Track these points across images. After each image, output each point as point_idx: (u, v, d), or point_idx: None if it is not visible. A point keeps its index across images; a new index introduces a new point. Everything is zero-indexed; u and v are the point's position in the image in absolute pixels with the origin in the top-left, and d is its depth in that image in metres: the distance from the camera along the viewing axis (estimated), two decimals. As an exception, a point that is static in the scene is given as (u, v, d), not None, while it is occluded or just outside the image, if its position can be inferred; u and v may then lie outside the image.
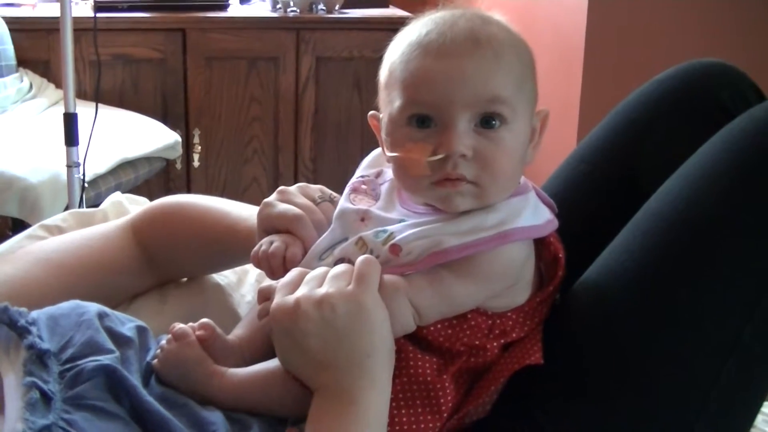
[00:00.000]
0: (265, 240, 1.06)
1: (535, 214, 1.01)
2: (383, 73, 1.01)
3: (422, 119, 0.96)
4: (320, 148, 3.36)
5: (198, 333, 1.03)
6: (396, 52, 0.99)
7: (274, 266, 1.03)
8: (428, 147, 0.95)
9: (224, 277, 1.37)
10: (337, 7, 3.28)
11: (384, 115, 1.01)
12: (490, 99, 0.95)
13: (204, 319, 1.05)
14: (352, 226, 1.02)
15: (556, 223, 1.03)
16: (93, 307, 1.03)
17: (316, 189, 1.12)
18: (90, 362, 0.94)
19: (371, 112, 1.05)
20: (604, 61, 2.51)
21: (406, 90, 0.96)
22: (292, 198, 1.09)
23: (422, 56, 0.96)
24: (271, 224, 1.07)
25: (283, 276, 0.99)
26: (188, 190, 3.22)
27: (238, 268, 1.39)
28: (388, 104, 0.99)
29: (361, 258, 0.95)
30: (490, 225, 0.96)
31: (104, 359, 0.94)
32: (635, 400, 1.01)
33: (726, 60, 1.25)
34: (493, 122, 0.95)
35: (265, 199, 1.09)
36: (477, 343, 0.99)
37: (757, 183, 1.03)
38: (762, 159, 1.03)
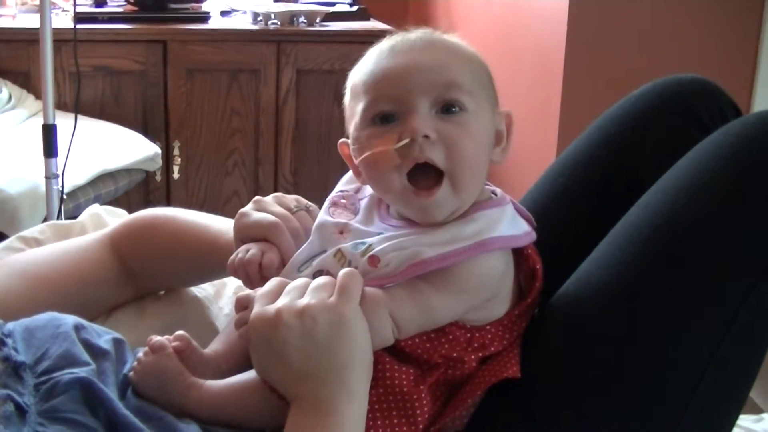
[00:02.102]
0: (242, 248, 1.06)
1: (513, 225, 1.01)
2: (347, 93, 1.04)
3: (385, 117, 0.98)
4: (301, 160, 3.35)
5: (174, 344, 1.03)
6: (356, 74, 1.02)
7: (251, 273, 1.03)
8: (393, 136, 0.96)
9: (202, 290, 1.37)
10: (318, 20, 3.28)
11: (351, 131, 1.02)
12: (447, 84, 0.97)
13: (179, 332, 1.05)
14: (331, 239, 1.03)
15: (533, 236, 1.04)
16: (69, 320, 1.02)
17: (292, 199, 1.12)
18: (66, 375, 0.93)
19: (341, 141, 1.07)
20: (584, 75, 2.52)
21: (367, 92, 0.99)
22: (268, 207, 1.09)
23: (378, 60, 0.99)
24: (247, 233, 1.07)
25: (260, 284, 0.99)
26: (168, 203, 3.21)
27: (216, 281, 1.39)
28: (352, 117, 1.01)
29: (344, 270, 0.95)
30: (468, 235, 0.96)
31: (80, 372, 0.94)
32: (613, 413, 1.01)
33: (704, 75, 1.25)
34: (454, 108, 0.97)
35: (241, 209, 1.09)
36: (455, 355, 0.99)
37: (733, 200, 1.04)
38: (738, 174, 1.04)
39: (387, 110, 0.98)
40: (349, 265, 0.97)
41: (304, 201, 1.13)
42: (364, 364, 0.93)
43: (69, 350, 0.97)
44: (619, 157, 1.22)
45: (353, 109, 1.01)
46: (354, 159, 1.03)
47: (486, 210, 1.00)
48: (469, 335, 1.00)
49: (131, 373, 1.01)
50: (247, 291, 1.00)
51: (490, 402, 1.02)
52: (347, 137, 1.05)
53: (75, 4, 2.57)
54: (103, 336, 1.04)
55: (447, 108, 0.97)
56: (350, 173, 1.11)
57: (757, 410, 1.40)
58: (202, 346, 1.08)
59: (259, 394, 0.98)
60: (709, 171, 1.06)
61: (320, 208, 1.09)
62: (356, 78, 1.01)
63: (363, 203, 1.07)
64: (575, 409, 1.02)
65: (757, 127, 1.07)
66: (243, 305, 0.98)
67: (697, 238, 1.04)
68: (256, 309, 0.94)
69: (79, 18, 2.58)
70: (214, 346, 1.10)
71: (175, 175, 3.24)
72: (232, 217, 1.13)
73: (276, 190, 3.24)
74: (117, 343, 1.04)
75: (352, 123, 1.01)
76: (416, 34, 1.02)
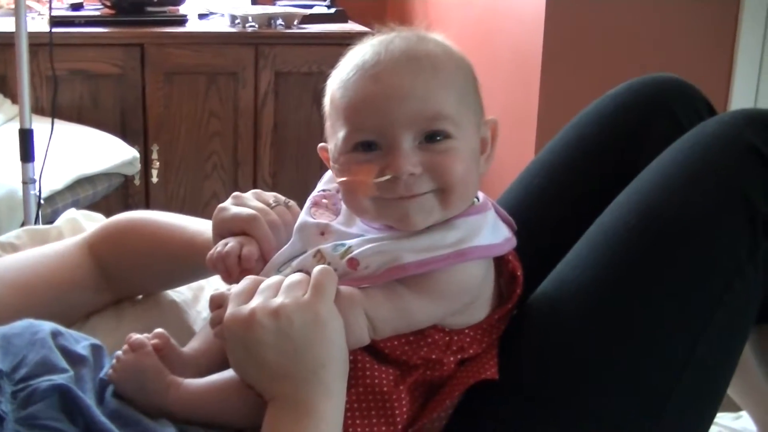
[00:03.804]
0: (220, 242, 1.05)
1: (494, 233, 1.00)
2: (326, 103, 1.01)
3: (367, 145, 0.96)
4: (280, 162, 3.35)
5: (153, 342, 1.02)
6: (336, 80, 0.99)
7: (230, 266, 1.03)
8: (374, 168, 0.94)
9: (180, 294, 1.36)
10: (295, 23, 3.28)
11: (331, 145, 1.01)
12: (431, 117, 0.94)
13: (158, 329, 1.05)
14: (312, 240, 1.02)
15: (514, 242, 1.03)
16: (47, 326, 1.02)
17: (271, 195, 1.12)
18: (43, 382, 0.93)
19: (320, 145, 1.06)
20: (561, 75, 2.53)
21: (348, 119, 0.96)
22: (247, 201, 1.09)
23: (359, 82, 0.95)
24: (225, 227, 1.06)
25: (239, 277, 0.99)
26: (147, 206, 3.20)
27: (194, 285, 1.39)
28: (333, 134, 0.99)
29: (317, 268, 0.94)
30: (448, 242, 0.96)
31: (58, 379, 0.93)
32: (590, 412, 1.01)
33: (681, 75, 1.26)
34: (438, 138, 0.95)
35: (220, 204, 1.09)
36: (434, 357, 0.99)
37: (707, 199, 1.04)
38: (713, 174, 1.05)
39: (369, 140, 0.95)
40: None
41: (283, 197, 1.13)
42: (341, 362, 0.93)
43: (46, 357, 0.96)
44: (594, 157, 1.22)
45: (333, 126, 0.99)
46: (333, 173, 1.02)
47: (468, 216, 0.99)
48: (448, 338, 1.00)
49: (110, 371, 1.00)
50: (222, 289, 0.99)
51: (468, 403, 1.02)
52: (326, 141, 1.04)
53: (51, 8, 2.55)
54: (81, 342, 1.03)
55: (430, 137, 0.95)
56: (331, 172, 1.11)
57: (735, 408, 1.41)
58: (180, 347, 1.08)
59: (237, 392, 0.98)
60: (684, 170, 1.06)
61: (300, 207, 1.09)
62: (336, 94, 0.98)
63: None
64: (552, 409, 1.02)
65: (731, 125, 1.08)
66: (217, 304, 0.97)
67: (672, 238, 1.04)
68: (230, 309, 0.93)
69: (56, 22, 2.57)
70: (193, 344, 1.10)
71: (154, 179, 3.23)
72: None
73: (255, 193, 3.24)
74: (95, 349, 1.03)
75: (333, 141, 0.99)
76: (400, 43, 0.97)
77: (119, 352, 1.01)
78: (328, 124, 1.01)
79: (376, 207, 0.96)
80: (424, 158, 0.94)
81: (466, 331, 1.01)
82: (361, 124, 0.95)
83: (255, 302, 0.92)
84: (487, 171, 1.03)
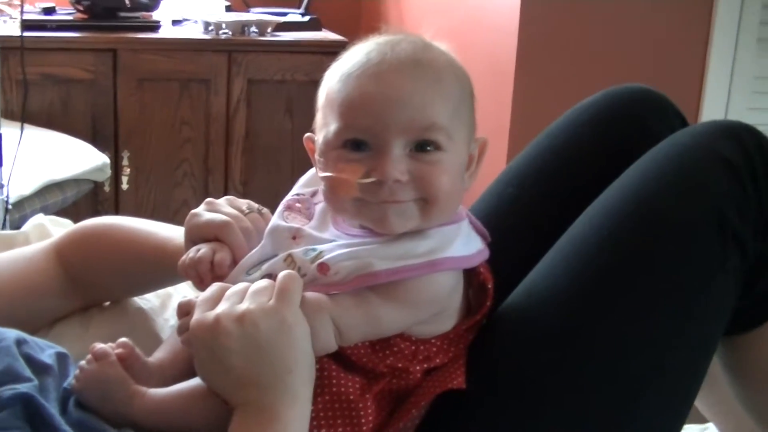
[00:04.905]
0: (193, 248, 1.05)
1: (467, 244, 1.00)
2: (322, 94, 1.00)
3: (357, 143, 0.95)
4: (251, 170, 3.34)
5: (117, 351, 1.02)
6: (336, 73, 0.98)
7: (202, 272, 1.02)
8: (360, 168, 0.94)
9: (147, 302, 1.35)
10: (269, 30, 3.27)
11: (319, 137, 1.00)
12: (426, 126, 0.94)
13: (122, 339, 1.04)
14: (283, 244, 1.02)
15: (486, 254, 1.03)
16: (11, 334, 1.01)
17: (244, 202, 1.12)
18: (7, 391, 0.92)
19: (307, 135, 1.05)
20: (534, 84, 2.54)
21: (342, 115, 0.95)
22: (220, 208, 1.08)
23: (360, 78, 0.95)
24: (198, 233, 1.06)
25: (211, 284, 0.98)
26: (117, 213, 3.18)
27: (161, 292, 1.38)
28: (323, 126, 0.99)
29: (282, 273, 0.94)
30: (420, 252, 0.95)
31: (22, 387, 0.92)
32: (558, 425, 1.01)
33: (653, 85, 1.27)
34: (428, 148, 0.95)
35: (193, 210, 1.08)
36: (400, 365, 0.99)
37: (678, 210, 1.05)
38: (684, 186, 1.05)
39: (360, 138, 0.95)
40: (299, 271, 0.96)
41: (256, 204, 1.12)
42: (307, 368, 0.93)
43: (11, 366, 0.95)
44: (566, 166, 1.23)
45: (326, 117, 0.98)
46: (317, 166, 1.01)
47: (442, 227, 0.99)
48: (414, 347, 1.00)
49: (74, 381, 0.99)
50: (189, 297, 0.99)
51: (435, 413, 1.02)
52: (313, 131, 1.03)
53: (23, 12, 2.53)
54: (46, 350, 1.02)
55: (421, 146, 0.95)
56: (307, 175, 1.10)
57: (702, 420, 1.41)
58: (148, 357, 1.07)
59: (202, 400, 0.97)
60: (655, 182, 1.07)
61: (273, 212, 1.08)
62: (334, 87, 0.97)
63: (318, 208, 1.06)
64: (520, 420, 1.02)
65: (702, 136, 1.09)
66: (184, 311, 0.97)
67: (642, 250, 1.04)
68: (196, 315, 0.93)
69: (27, 25, 2.55)
70: (159, 354, 1.09)
71: (124, 186, 3.21)
72: (182, 226, 1.12)
73: (226, 200, 3.23)
74: (60, 357, 1.03)
75: (322, 132, 0.98)
76: (406, 46, 0.97)
77: (83, 362, 1.00)
78: (319, 116, 1.00)
79: (356, 207, 0.96)
80: (412, 167, 0.94)
81: (433, 340, 1.01)
82: (354, 122, 0.95)
83: (221, 308, 0.92)
84: (468, 188, 1.03)
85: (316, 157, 1.01)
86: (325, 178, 0.98)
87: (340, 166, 0.96)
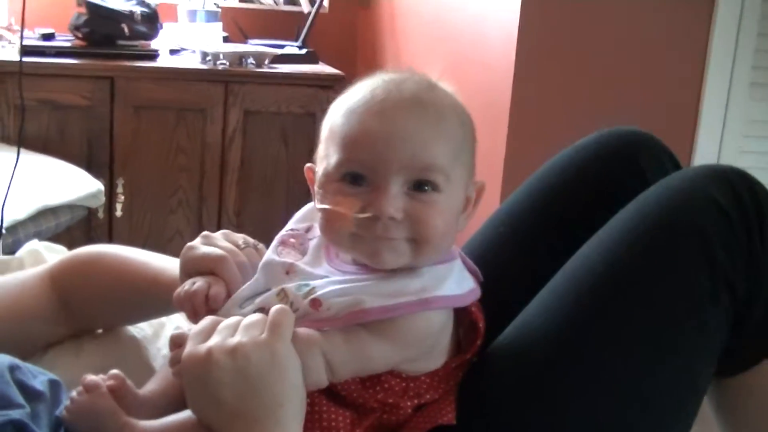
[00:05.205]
0: (188, 281, 1.05)
1: (459, 283, 1.01)
2: (325, 127, 1.01)
3: (356, 177, 0.96)
4: (245, 201, 3.34)
5: (108, 383, 1.02)
6: (341, 107, 0.99)
7: (197, 305, 1.02)
8: (357, 203, 0.95)
9: (140, 330, 1.35)
10: (266, 62, 3.29)
11: (320, 168, 1.01)
12: (425, 167, 0.95)
13: (113, 370, 1.04)
14: (276, 278, 1.02)
15: (478, 293, 1.04)
16: (4, 360, 1.01)
17: (240, 236, 1.12)
18: (-2, 417, 0.91)
19: (308, 165, 1.06)
20: (529, 123, 2.55)
21: (344, 148, 0.96)
22: (216, 241, 1.09)
23: (364, 114, 0.96)
24: (194, 266, 1.06)
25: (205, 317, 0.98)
26: (110, 240, 3.17)
27: (154, 321, 1.38)
28: (324, 158, 1.00)
29: (274, 307, 0.94)
30: (412, 290, 0.96)
31: (14, 414, 0.92)
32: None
33: (647, 127, 1.28)
34: (426, 188, 0.96)
35: (189, 243, 1.08)
36: (391, 401, 0.99)
37: (669, 252, 1.06)
38: (676, 227, 1.06)
39: (359, 172, 0.96)
40: (291, 306, 0.97)
41: (252, 240, 1.13)
42: (298, 401, 0.93)
43: (3, 392, 0.95)
44: (558, 207, 1.24)
45: (327, 149, 0.99)
46: (315, 198, 1.02)
47: (434, 265, 1.00)
48: (404, 384, 1.00)
49: (64, 412, 0.99)
50: (182, 327, 0.99)
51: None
52: (314, 162, 1.03)
53: (22, 37, 2.54)
54: (39, 377, 1.02)
55: (419, 186, 0.96)
56: (302, 211, 1.11)
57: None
58: (139, 387, 1.07)
59: None
60: (648, 223, 1.08)
61: (267, 247, 1.09)
62: (338, 121, 0.98)
63: (312, 243, 1.06)
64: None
65: (694, 180, 1.10)
66: (177, 344, 0.97)
67: (638, 289, 1.05)
68: (188, 348, 0.93)
69: (26, 51, 2.56)
70: (150, 386, 1.09)
71: (118, 213, 3.21)
72: (175, 256, 1.12)
73: (220, 230, 3.21)
74: (52, 384, 1.02)
75: (323, 164, 0.99)
76: (411, 86, 0.98)
77: (74, 393, 1.00)
78: (321, 147, 1.01)
79: (351, 241, 0.96)
80: (408, 205, 0.95)
81: (423, 377, 1.01)
82: (355, 156, 0.96)
83: (213, 341, 0.92)
84: (463, 229, 1.04)
85: (315, 188, 1.02)
86: (322, 210, 0.99)
87: (338, 199, 0.96)
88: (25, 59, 2.40)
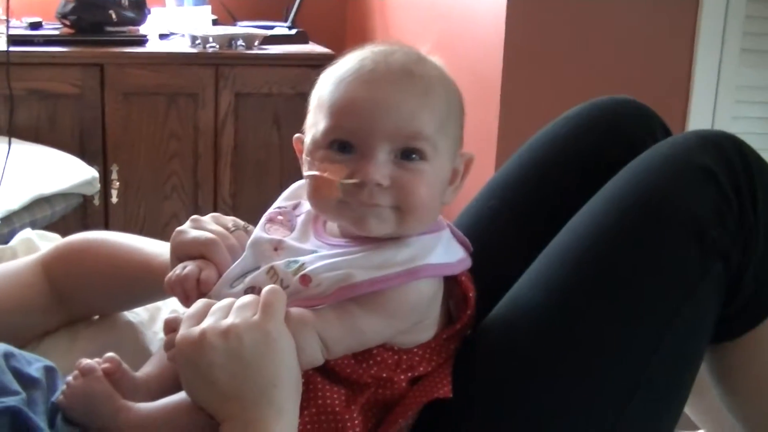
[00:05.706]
0: (179, 266, 1.05)
1: (448, 252, 1.01)
2: (314, 96, 1.02)
3: (343, 145, 0.97)
4: (239, 184, 3.34)
5: (103, 366, 1.02)
6: (329, 77, 1.00)
7: (188, 289, 1.02)
8: (344, 169, 0.95)
9: (136, 315, 1.35)
10: (256, 44, 3.28)
11: (308, 137, 1.01)
12: (412, 135, 0.96)
13: (109, 354, 1.04)
14: (265, 255, 1.02)
15: (468, 262, 1.04)
16: (-1, 347, 1.01)
17: (230, 219, 1.12)
18: (-6, 404, 0.92)
19: (296, 135, 1.06)
20: (521, 94, 2.55)
21: (332, 115, 0.97)
22: (206, 225, 1.09)
23: (352, 83, 0.97)
24: (184, 251, 1.06)
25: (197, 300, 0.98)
26: (106, 227, 3.17)
27: (150, 306, 1.38)
28: (312, 126, 1.00)
29: (266, 288, 0.94)
30: (400, 261, 0.96)
31: (9, 401, 0.92)
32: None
33: (639, 97, 1.27)
34: (413, 156, 0.96)
35: (178, 228, 1.08)
36: (384, 375, 1.00)
37: (660, 222, 1.05)
38: (665, 196, 1.06)
39: (346, 140, 0.96)
40: (281, 284, 0.97)
41: (242, 222, 1.13)
42: (293, 381, 0.93)
43: (-2, 379, 0.95)
44: (549, 179, 1.23)
45: (315, 117, 1.00)
46: (303, 166, 1.02)
47: (422, 235, 1.00)
48: (396, 357, 1.00)
49: (60, 397, 0.99)
50: (177, 312, 0.99)
51: (422, 424, 1.02)
52: (303, 132, 1.04)
53: (9, 27, 2.54)
54: (34, 364, 1.02)
55: (406, 154, 0.96)
56: (290, 189, 1.11)
57: (693, 426, 1.42)
58: (136, 371, 1.07)
59: (188, 415, 0.97)
60: (636, 193, 1.08)
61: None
62: (327, 90, 0.99)
63: (299, 219, 1.07)
64: (507, 428, 1.02)
65: (683, 146, 1.10)
66: (171, 327, 0.97)
67: (626, 260, 1.05)
68: (182, 331, 0.93)
69: (14, 40, 2.55)
70: (146, 369, 1.09)
71: (114, 199, 3.21)
72: (172, 241, 1.12)
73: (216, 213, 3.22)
74: (48, 371, 1.03)
75: (311, 132, 1.00)
76: (400, 57, 0.99)
77: (69, 378, 1.01)
78: (309, 116, 1.02)
79: (338, 207, 0.97)
80: (395, 173, 0.95)
81: (415, 350, 1.02)
82: (342, 123, 0.96)
83: (206, 323, 0.92)
84: (451, 202, 1.04)
85: (303, 156, 1.03)
86: (309, 177, 0.99)
87: (325, 166, 0.97)
88: (13, 49, 2.39)
